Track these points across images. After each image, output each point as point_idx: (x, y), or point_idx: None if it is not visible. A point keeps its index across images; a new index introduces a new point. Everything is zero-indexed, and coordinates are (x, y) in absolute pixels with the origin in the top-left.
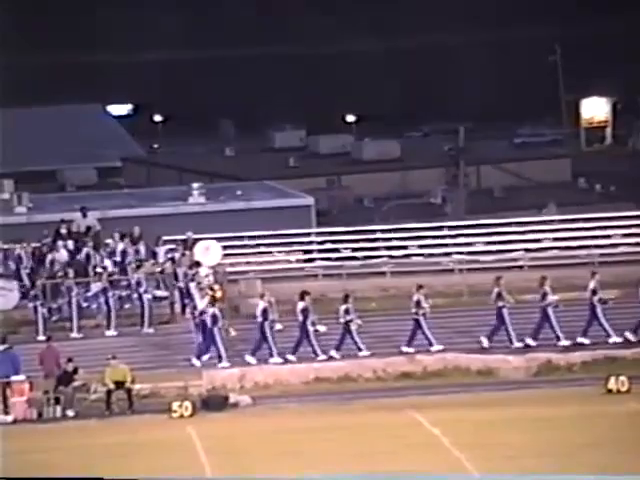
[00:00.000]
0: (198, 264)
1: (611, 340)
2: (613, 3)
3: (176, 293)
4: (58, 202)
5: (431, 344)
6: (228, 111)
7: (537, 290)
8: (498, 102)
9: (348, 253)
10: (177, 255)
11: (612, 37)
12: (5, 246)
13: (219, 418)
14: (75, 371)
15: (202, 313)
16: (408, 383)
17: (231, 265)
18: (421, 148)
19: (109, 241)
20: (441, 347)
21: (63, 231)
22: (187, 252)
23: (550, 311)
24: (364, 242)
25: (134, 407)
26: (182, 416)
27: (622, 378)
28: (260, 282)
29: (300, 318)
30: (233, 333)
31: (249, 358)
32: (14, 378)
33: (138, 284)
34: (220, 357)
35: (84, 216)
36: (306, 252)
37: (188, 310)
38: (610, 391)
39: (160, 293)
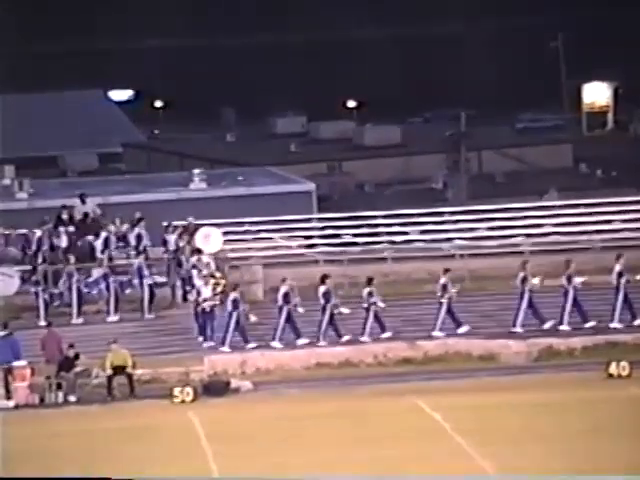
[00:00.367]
0: (199, 251)
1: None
2: None
3: (178, 280)
4: (59, 188)
5: (437, 329)
6: (229, 97)
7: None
8: (499, 87)
9: (349, 239)
10: (181, 242)
11: (613, 22)
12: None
13: (220, 403)
14: (77, 357)
15: (205, 300)
16: (409, 368)
17: (232, 251)
18: (422, 134)
19: (110, 227)
20: (467, 328)
21: (64, 217)
22: (188, 237)
23: (572, 294)
24: (365, 228)
25: (135, 392)
26: (183, 401)
27: (623, 363)
28: (261, 268)
29: (322, 301)
30: (253, 318)
31: (275, 344)
32: (16, 364)
33: (139, 269)
34: (224, 341)
35: (83, 202)
36: (307, 238)
37: (190, 297)
38: (611, 376)
39: (159, 279)
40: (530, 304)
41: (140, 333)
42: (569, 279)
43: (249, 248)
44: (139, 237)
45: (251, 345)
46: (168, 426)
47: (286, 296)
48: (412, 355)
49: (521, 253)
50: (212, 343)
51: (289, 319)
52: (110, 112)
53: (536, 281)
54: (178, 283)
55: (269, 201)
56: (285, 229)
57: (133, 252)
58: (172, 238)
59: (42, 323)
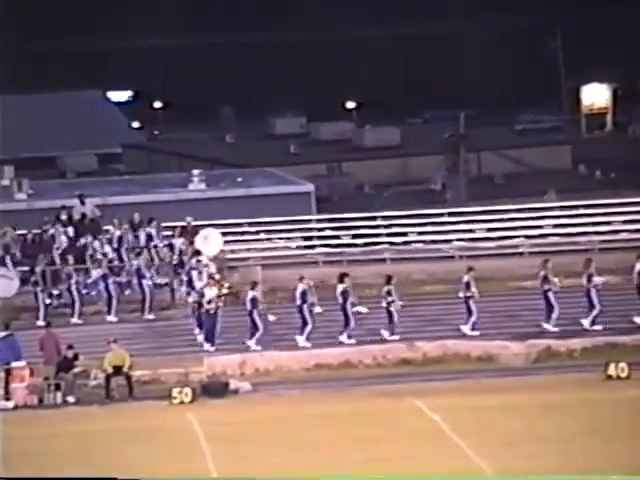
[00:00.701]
0: (198, 253)
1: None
2: None
3: (176, 281)
4: (58, 188)
5: (472, 327)
6: (228, 98)
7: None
8: (499, 89)
9: (348, 240)
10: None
11: (612, 23)
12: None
13: (219, 404)
14: (75, 357)
15: (210, 302)
16: (408, 370)
17: (231, 252)
18: (422, 135)
19: (109, 227)
20: (477, 333)
21: (63, 217)
22: (188, 238)
23: (594, 293)
24: (364, 229)
25: (134, 393)
26: (182, 402)
27: (622, 364)
28: (260, 269)
29: (340, 300)
30: (272, 318)
31: (299, 338)
32: (14, 364)
33: (138, 270)
34: (252, 336)
35: (82, 203)
36: (306, 239)
37: (190, 299)
38: (610, 377)
39: (159, 280)
40: (549, 303)
41: (139, 334)
42: (589, 278)
43: (248, 249)
44: (150, 237)
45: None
46: (167, 427)
47: (304, 295)
48: (411, 356)
49: (520, 254)
50: (211, 347)
51: (304, 318)
52: (109, 113)
53: (556, 280)
54: (176, 284)
55: (268, 202)
56: (284, 230)
57: (132, 254)
58: (178, 242)
59: (41, 324)
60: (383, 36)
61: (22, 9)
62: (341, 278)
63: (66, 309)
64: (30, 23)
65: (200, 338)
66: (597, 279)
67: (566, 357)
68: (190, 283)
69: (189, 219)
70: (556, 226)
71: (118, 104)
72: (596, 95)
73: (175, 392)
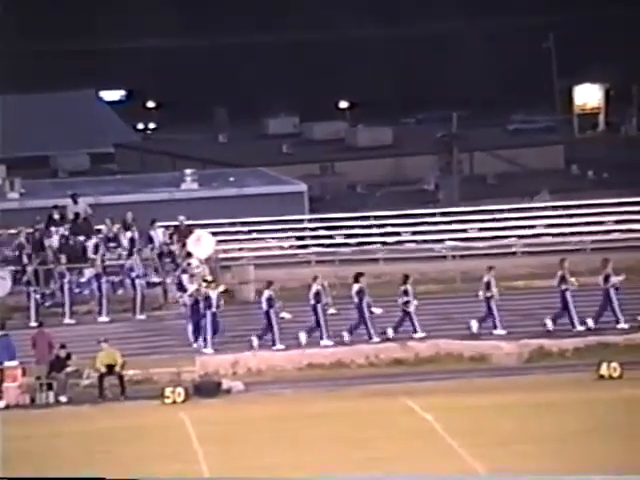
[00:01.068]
0: (189, 255)
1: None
2: None
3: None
4: (51, 188)
5: (495, 327)
6: (221, 98)
7: (599, 272)
8: (491, 89)
9: (341, 239)
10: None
11: (605, 24)
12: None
13: (212, 404)
14: (68, 357)
15: (207, 298)
16: (400, 369)
17: (224, 251)
18: (414, 135)
19: (101, 227)
20: (504, 332)
21: (56, 217)
22: (181, 239)
23: (613, 293)
24: (357, 228)
25: (126, 393)
26: (175, 402)
27: (614, 364)
28: (253, 268)
29: (355, 300)
30: (287, 316)
31: (325, 342)
32: (6, 364)
33: (130, 270)
34: (274, 340)
35: (75, 202)
36: (299, 238)
37: (180, 301)
38: (602, 377)
39: (151, 279)
40: (565, 302)
41: (131, 333)
42: (606, 279)
43: (241, 249)
44: (132, 240)
45: (279, 346)
46: (159, 427)
47: (317, 295)
48: (404, 356)
49: (513, 254)
50: (202, 344)
51: (317, 318)
52: (102, 112)
53: (573, 280)
54: (169, 281)
55: (261, 202)
56: (277, 230)
57: (124, 252)
58: (158, 234)
59: (33, 323)
60: (376, 36)
61: (17, 9)
62: (356, 278)
63: (58, 309)
64: (23, 23)
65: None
66: (614, 278)
67: (558, 357)
68: (181, 286)
69: (182, 218)
70: (549, 226)
71: (111, 103)
72: (589, 95)
73: (168, 392)
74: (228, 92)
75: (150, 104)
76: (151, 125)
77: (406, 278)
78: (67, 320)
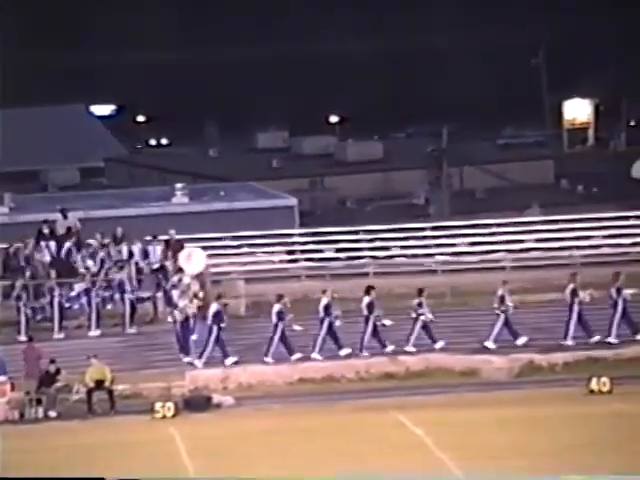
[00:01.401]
0: (180, 270)
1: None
2: (595, 6)
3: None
4: (40, 202)
5: (516, 337)
6: (211, 112)
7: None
8: (481, 104)
9: (331, 254)
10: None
11: (594, 39)
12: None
13: (202, 419)
14: (58, 372)
15: (218, 313)
16: (391, 384)
17: (214, 266)
18: (404, 149)
19: (91, 241)
20: (525, 339)
21: (45, 231)
22: (172, 253)
23: (621, 305)
24: (347, 243)
25: (116, 408)
26: (165, 417)
27: (604, 379)
28: (243, 283)
29: (365, 313)
30: (298, 328)
31: (315, 355)
32: None
33: (120, 284)
34: (291, 351)
35: (64, 217)
36: (289, 253)
37: (170, 319)
38: (592, 392)
39: (141, 294)
40: (579, 317)
41: (121, 348)
42: (618, 291)
43: (231, 263)
44: (120, 253)
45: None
46: (149, 441)
47: (327, 308)
48: (394, 370)
49: (502, 268)
50: (191, 359)
51: (330, 331)
52: (92, 127)
53: (586, 294)
54: (159, 296)
55: (251, 216)
56: (267, 244)
57: (114, 267)
58: (156, 250)
59: (22, 338)
60: (366, 51)
61: (6, 24)
62: (367, 291)
63: (48, 323)
64: (13, 37)
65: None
66: (626, 292)
67: (548, 371)
68: (170, 301)
69: (172, 232)
70: (538, 240)
71: (101, 118)
72: (578, 110)
73: (158, 406)
74: (218, 107)
75: (140, 118)
76: (162, 140)
77: (421, 291)
78: (57, 335)
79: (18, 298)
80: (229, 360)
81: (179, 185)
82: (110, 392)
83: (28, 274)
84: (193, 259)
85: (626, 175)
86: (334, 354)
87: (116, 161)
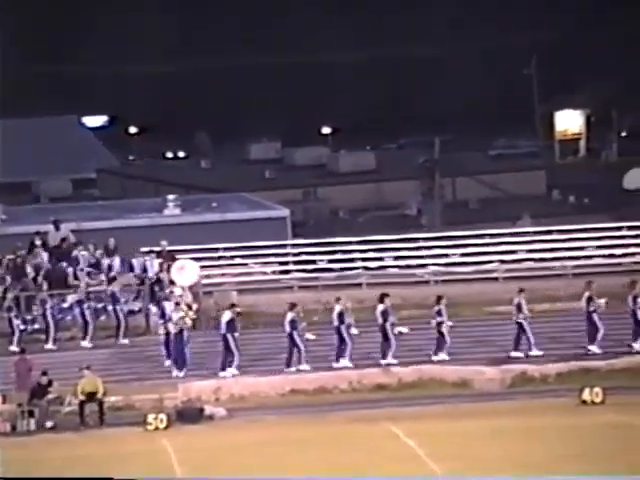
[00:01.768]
0: (172, 283)
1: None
2: (587, 18)
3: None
4: (32, 214)
5: (531, 348)
6: (204, 123)
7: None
8: (473, 114)
9: (324, 265)
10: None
11: (586, 50)
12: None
13: (194, 430)
14: (50, 384)
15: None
16: (383, 395)
17: (207, 277)
18: (397, 160)
19: (84, 253)
20: (541, 353)
21: (38, 242)
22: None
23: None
24: (340, 254)
25: (105, 420)
26: (157, 428)
27: (596, 389)
28: (235, 294)
29: (380, 320)
30: (311, 337)
31: (342, 362)
32: None
33: (113, 296)
34: (300, 360)
35: (57, 229)
36: (282, 264)
37: (161, 331)
38: (585, 402)
39: (134, 306)
40: (594, 324)
41: (114, 360)
42: (635, 300)
43: (223, 274)
44: (112, 264)
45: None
46: (142, 453)
47: (341, 315)
48: (386, 381)
49: (495, 279)
50: (181, 373)
51: (342, 339)
52: (84, 138)
53: (602, 302)
54: (153, 309)
55: (243, 227)
56: (259, 255)
57: (106, 278)
58: (154, 265)
59: (15, 349)
60: (359, 62)
61: None
62: (381, 298)
63: (40, 335)
64: (5, 49)
65: (169, 363)
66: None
67: (540, 382)
68: (163, 314)
69: (164, 243)
70: (530, 251)
71: (93, 129)
72: (570, 121)
73: (150, 418)
74: (211, 118)
75: (132, 130)
76: (179, 153)
77: (439, 299)
78: (49, 346)
79: (9, 309)
80: (224, 372)
81: (171, 196)
82: (101, 404)
83: (19, 286)
84: (186, 271)
85: (618, 186)
86: (327, 365)
87: (108, 172)
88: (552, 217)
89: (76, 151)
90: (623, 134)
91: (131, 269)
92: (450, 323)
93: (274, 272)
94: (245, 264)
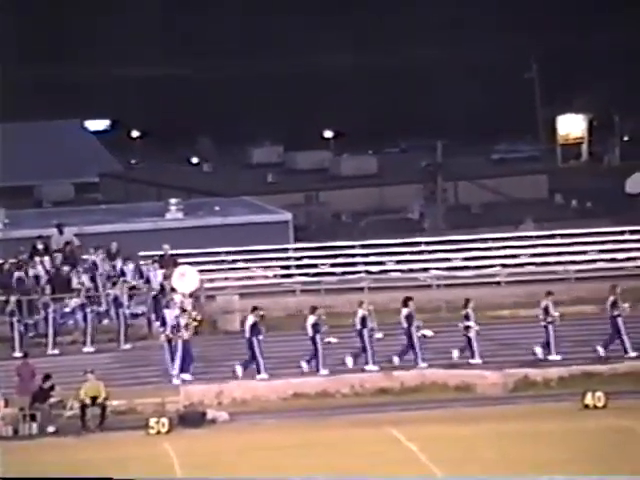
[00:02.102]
0: (173, 290)
1: (552, 357)
2: (589, 22)
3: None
4: (35, 218)
5: (550, 353)
6: (206, 127)
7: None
8: (476, 118)
9: (326, 269)
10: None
11: (588, 54)
12: None
13: (196, 434)
14: (52, 388)
15: (249, 326)
16: (386, 399)
17: (209, 281)
18: (399, 164)
19: (86, 257)
20: (559, 357)
21: (40, 247)
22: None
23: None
24: (342, 257)
25: (106, 424)
26: (159, 432)
27: (599, 394)
28: (238, 298)
29: (404, 324)
30: (334, 340)
31: (369, 367)
32: None
33: (115, 300)
34: (317, 364)
35: (61, 233)
36: (284, 268)
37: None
38: (587, 407)
39: (136, 310)
40: (617, 329)
41: (116, 364)
42: None
43: (225, 278)
44: (114, 268)
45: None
46: (143, 457)
47: (364, 320)
48: (388, 385)
49: (497, 283)
50: (188, 376)
51: (364, 343)
52: (87, 142)
53: (626, 305)
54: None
55: (246, 231)
56: (262, 259)
57: (109, 282)
58: (157, 275)
59: (18, 354)
60: (361, 65)
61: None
62: (405, 302)
63: (42, 339)
64: (7, 53)
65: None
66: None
67: (543, 386)
68: (164, 322)
69: (166, 247)
70: (533, 255)
71: (96, 133)
72: (572, 125)
73: (152, 422)
74: (213, 122)
75: (135, 134)
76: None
77: (467, 302)
78: (51, 350)
79: (12, 314)
80: (259, 376)
81: (174, 200)
82: (103, 408)
83: (21, 290)
84: (187, 278)
85: (620, 190)
86: (336, 368)
87: (111, 176)
88: (554, 221)
89: (78, 155)
90: (625, 138)
91: (141, 275)
92: (477, 327)
93: (276, 276)
94: (247, 268)
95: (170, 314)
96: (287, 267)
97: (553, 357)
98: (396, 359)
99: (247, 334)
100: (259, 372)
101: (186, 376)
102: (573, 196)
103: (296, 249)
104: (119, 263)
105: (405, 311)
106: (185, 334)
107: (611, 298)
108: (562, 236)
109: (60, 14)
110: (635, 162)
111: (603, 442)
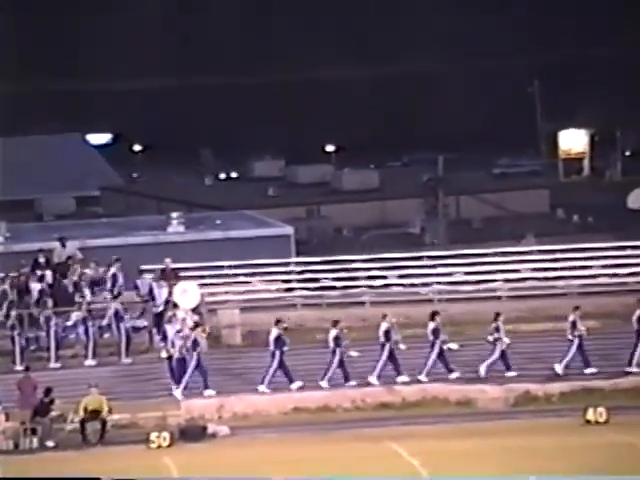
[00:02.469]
0: (175, 306)
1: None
2: (590, 37)
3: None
4: (36, 231)
5: (588, 365)
6: (208, 141)
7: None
8: (477, 133)
9: (327, 283)
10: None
11: (590, 69)
12: None
13: (197, 448)
14: (52, 402)
15: (274, 339)
16: (387, 413)
17: (210, 295)
18: (400, 178)
19: (87, 270)
20: (594, 369)
21: (41, 260)
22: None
23: None
24: (343, 272)
25: (106, 437)
26: (160, 446)
27: (600, 409)
28: (239, 312)
29: (431, 338)
30: (355, 354)
31: (372, 379)
32: None
33: (116, 314)
34: (347, 377)
35: (63, 246)
36: (285, 282)
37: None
38: (588, 422)
39: (138, 323)
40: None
41: (117, 377)
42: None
43: (227, 292)
44: (114, 277)
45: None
46: (144, 471)
47: (387, 333)
48: (390, 400)
49: (498, 298)
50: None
51: (391, 356)
52: (88, 155)
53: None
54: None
55: (247, 245)
56: (263, 273)
57: (109, 295)
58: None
59: (19, 368)
60: (363, 79)
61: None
62: (432, 316)
63: (43, 353)
64: (8, 66)
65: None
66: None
67: (544, 402)
68: (165, 337)
69: (168, 261)
70: (534, 270)
71: (97, 147)
72: (574, 140)
73: (153, 436)
74: (214, 135)
75: (136, 147)
76: (232, 173)
77: (497, 315)
78: (53, 364)
79: (13, 327)
80: (295, 385)
81: (175, 214)
82: (104, 423)
83: (23, 304)
84: (188, 294)
85: (622, 205)
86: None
87: (112, 190)
88: (556, 236)
89: (80, 168)
90: (627, 153)
91: (135, 288)
92: (507, 341)
93: (277, 290)
94: (248, 282)
95: (171, 329)
96: (288, 281)
97: (590, 370)
98: (455, 374)
99: (271, 346)
100: (291, 382)
101: (210, 392)
102: (575, 211)
103: (297, 263)
104: (120, 276)
105: (432, 325)
106: (202, 348)
107: (638, 312)
108: (563, 251)
109: (62, 28)
110: (637, 177)
111: (605, 458)
